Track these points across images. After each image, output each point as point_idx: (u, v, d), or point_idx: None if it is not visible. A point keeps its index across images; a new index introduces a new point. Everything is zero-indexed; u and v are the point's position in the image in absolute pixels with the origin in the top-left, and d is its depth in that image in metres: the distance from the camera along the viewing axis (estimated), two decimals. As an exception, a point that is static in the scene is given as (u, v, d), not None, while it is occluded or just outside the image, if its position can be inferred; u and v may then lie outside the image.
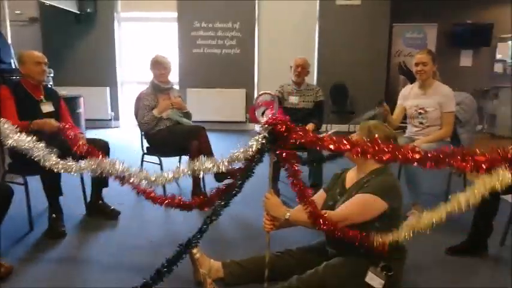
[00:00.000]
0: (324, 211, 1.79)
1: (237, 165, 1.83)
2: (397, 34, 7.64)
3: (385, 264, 1.78)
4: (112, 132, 7.04)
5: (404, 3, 7.46)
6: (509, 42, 7.67)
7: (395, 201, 1.80)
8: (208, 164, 1.71)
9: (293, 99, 3.78)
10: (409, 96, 3.29)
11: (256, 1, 7.38)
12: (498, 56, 7.75)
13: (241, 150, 1.55)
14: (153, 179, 1.94)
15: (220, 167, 1.70)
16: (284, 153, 1.56)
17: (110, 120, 7.64)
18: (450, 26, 7.60)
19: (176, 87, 4.32)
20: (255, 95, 6.83)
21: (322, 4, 7.35)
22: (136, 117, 3.58)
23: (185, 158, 3.64)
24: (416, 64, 3.16)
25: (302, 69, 3.75)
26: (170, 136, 3.45)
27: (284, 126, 1.42)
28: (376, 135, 1.77)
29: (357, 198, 1.79)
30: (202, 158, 1.84)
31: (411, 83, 3.39)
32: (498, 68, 7.78)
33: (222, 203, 1.78)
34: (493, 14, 7.56)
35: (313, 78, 7.38)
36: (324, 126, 6.70)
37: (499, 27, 7.54)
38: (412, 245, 2.02)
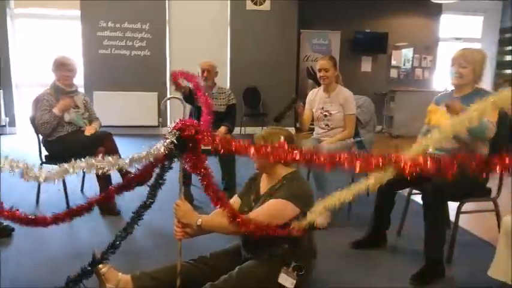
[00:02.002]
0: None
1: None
2: (304, 40, 8.01)
3: (296, 264, 1.83)
4: (7, 140, 6.36)
5: (311, 11, 7.85)
6: (403, 50, 8.46)
7: (307, 205, 1.85)
8: (105, 162, 1.52)
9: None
10: (315, 100, 3.46)
11: (167, 1, 7.22)
12: (393, 63, 8.51)
13: (145, 152, 1.48)
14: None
15: (121, 166, 1.56)
16: (190, 159, 1.52)
17: (4, 126, 6.91)
18: (352, 33, 8.17)
19: (81, 90, 4.03)
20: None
21: (233, 8, 7.44)
22: (33, 121, 3.26)
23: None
24: (319, 70, 3.33)
25: (208, 73, 3.73)
26: (72, 143, 3.21)
27: (193, 130, 1.38)
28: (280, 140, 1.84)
29: (268, 204, 1.82)
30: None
31: (319, 86, 3.57)
32: (393, 73, 8.55)
33: (136, 216, 1.69)
34: (388, 24, 8.29)
35: (226, 81, 7.43)
36: (237, 129, 6.80)
37: (393, 36, 8.29)
38: (320, 241, 2.13)
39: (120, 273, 1.92)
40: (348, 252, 2.64)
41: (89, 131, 3.32)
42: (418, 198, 2.66)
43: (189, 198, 3.69)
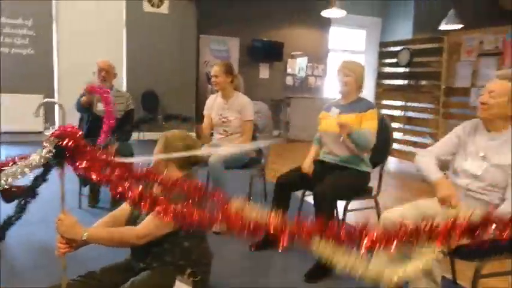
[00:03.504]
0: (126, 227, 1.70)
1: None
2: (204, 45, 8.01)
3: (191, 271, 1.80)
4: None
5: (210, 16, 7.89)
6: (297, 59, 8.94)
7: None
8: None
9: (101, 107, 3.53)
10: (213, 106, 3.47)
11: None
12: (289, 70, 8.95)
13: (19, 163, 1.31)
14: None
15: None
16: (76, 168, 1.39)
17: None
18: (250, 41, 8.39)
19: None
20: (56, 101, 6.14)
21: (129, 9, 7.14)
22: None
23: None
24: (213, 76, 3.37)
25: (106, 74, 3.53)
26: None
27: (72, 141, 1.24)
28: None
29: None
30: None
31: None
32: (289, 80, 8.99)
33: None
34: (284, 34, 8.69)
35: (122, 84, 7.09)
36: (135, 135, 6.52)
37: (289, 45, 8.72)
38: (216, 245, 2.12)
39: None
40: (244, 254, 2.69)
41: None
42: (310, 198, 2.82)
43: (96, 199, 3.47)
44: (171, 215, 1.15)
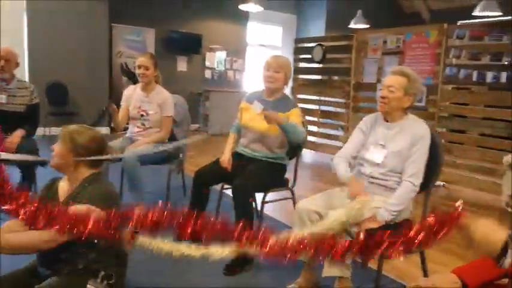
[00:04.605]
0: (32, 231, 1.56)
1: None
2: (117, 35, 7.61)
3: (104, 274, 1.70)
4: None
5: (123, 4, 7.50)
6: (216, 52, 8.89)
7: (112, 206, 1.74)
8: None
9: (0, 99, 3.18)
10: (132, 98, 3.31)
11: None
12: (207, 64, 8.87)
13: None
14: None
15: None
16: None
17: None
18: (166, 32, 8.15)
19: None
20: None
21: (31, -8, 6.54)
22: None
23: None
24: (139, 67, 3.20)
25: (6, 63, 3.18)
26: None
27: None
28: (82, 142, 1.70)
29: (71, 211, 1.63)
30: None
31: (134, 84, 3.43)
32: (208, 74, 8.92)
33: None
34: (202, 26, 8.58)
35: (24, 75, 6.47)
36: (41, 130, 6.00)
37: (207, 39, 8.63)
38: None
39: None
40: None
41: None
42: (229, 191, 2.83)
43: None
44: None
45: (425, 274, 2.18)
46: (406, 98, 2.15)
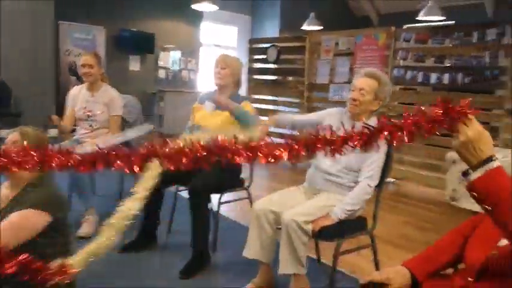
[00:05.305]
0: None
1: None
2: (65, 33, 7.28)
3: (52, 284, 1.62)
4: None
5: (70, 0, 7.19)
6: (170, 52, 8.74)
7: (59, 210, 1.66)
8: None
9: None
10: (77, 99, 3.18)
11: None
12: (161, 63, 8.69)
13: None
14: None
15: None
16: None
17: None
18: (117, 31, 7.90)
19: None
20: None
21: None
22: None
23: None
24: (83, 66, 3.09)
25: None
26: None
27: None
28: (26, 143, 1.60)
29: (9, 218, 1.54)
30: None
31: (82, 83, 3.29)
32: (162, 74, 8.74)
33: None
34: (155, 25, 8.39)
35: (-40, 73, 6.05)
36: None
37: (161, 38, 8.45)
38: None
39: None
40: (116, 257, 2.52)
41: None
42: (184, 193, 2.78)
43: None
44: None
45: (377, 268, 2.26)
46: (376, 102, 2.19)
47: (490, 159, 0.95)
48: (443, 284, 1.23)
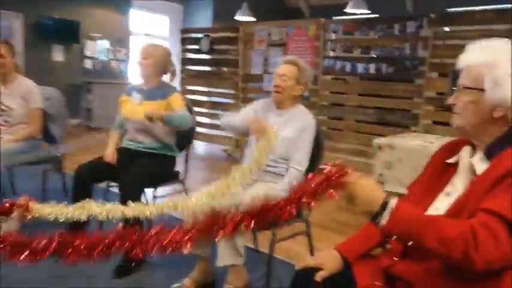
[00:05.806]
0: None
1: None
2: (-25, 19, 6.61)
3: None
4: None
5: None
6: (98, 41, 8.28)
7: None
8: None
9: None
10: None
11: None
12: (87, 53, 8.21)
13: None
14: None
15: None
16: None
17: None
18: (37, 18, 7.33)
19: None
20: None
21: None
22: None
23: None
24: None
25: None
26: None
27: None
28: None
29: None
30: None
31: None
32: (89, 64, 8.27)
33: None
34: (79, 12, 7.88)
35: None
36: None
37: (87, 26, 7.97)
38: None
39: None
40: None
41: None
42: (115, 189, 2.67)
43: None
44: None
45: (312, 253, 2.33)
46: (298, 87, 2.29)
47: (385, 203, 1.06)
48: (371, 264, 1.30)
